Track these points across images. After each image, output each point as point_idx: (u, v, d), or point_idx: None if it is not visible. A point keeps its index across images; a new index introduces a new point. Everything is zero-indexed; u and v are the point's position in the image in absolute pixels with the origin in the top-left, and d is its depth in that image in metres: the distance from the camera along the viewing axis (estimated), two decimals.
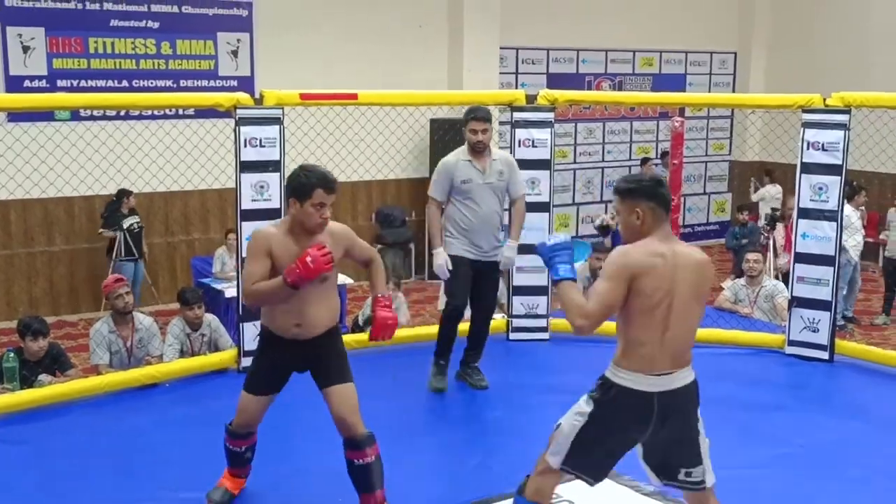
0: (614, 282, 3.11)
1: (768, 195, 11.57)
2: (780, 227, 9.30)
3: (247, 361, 5.74)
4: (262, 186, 5.70)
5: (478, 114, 5.44)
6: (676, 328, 3.14)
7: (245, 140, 5.62)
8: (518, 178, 5.57)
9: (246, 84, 9.71)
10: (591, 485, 3.31)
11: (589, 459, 3.25)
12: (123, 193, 9.07)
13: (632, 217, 3.21)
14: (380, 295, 3.97)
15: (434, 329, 6.86)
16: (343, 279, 8.19)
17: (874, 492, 4.26)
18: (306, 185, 3.64)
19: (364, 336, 6.52)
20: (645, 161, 12.80)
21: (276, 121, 5.72)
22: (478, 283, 5.46)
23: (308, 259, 3.53)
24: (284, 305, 3.71)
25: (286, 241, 3.71)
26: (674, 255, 3.15)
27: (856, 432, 4.89)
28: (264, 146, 5.68)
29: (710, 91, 13.49)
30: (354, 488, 3.82)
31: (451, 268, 5.35)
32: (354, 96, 6.16)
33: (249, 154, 5.64)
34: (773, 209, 10.13)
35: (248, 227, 5.67)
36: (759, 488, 4.27)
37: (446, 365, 5.56)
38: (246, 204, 5.68)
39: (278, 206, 5.74)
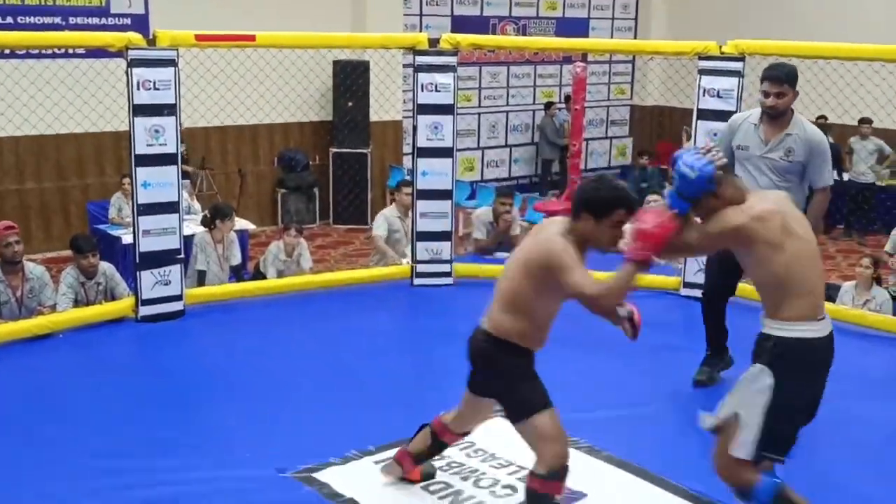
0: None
1: None
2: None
3: (145, 310, 5.63)
4: (157, 131, 5.52)
5: (773, 72, 4.48)
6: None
7: (138, 82, 5.42)
8: (821, 165, 4.55)
9: (140, 23, 9.32)
10: (782, 462, 3.16)
11: (784, 435, 3.08)
12: None
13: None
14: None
15: (339, 275, 6.88)
16: (245, 224, 8.06)
17: None
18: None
19: (264, 283, 6.48)
20: (549, 105, 12.88)
21: (171, 63, 5.52)
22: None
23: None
24: (545, 320, 3.34)
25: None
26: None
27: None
28: (159, 89, 5.49)
29: (612, 35, 13.61)
30: None
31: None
32: (252, 38, 5.98)
33: (143, 97, 5.45)
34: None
35: (142, 173, 5.53)
36: (658, 423, 4.42)
37: (713, 356, 4.88)
38: (140, 149, 5.50)
39: (174, 150, 5.59)
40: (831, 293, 6.68)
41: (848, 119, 10.69)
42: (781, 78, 4.46)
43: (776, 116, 4.51)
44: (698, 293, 6.10)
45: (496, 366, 3.33)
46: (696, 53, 6.17)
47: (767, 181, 4.54)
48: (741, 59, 6.02)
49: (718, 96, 6.05)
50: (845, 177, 10.73)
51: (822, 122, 10.96)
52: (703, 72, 6.10)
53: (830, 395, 3.21)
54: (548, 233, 3.24)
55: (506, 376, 3.32)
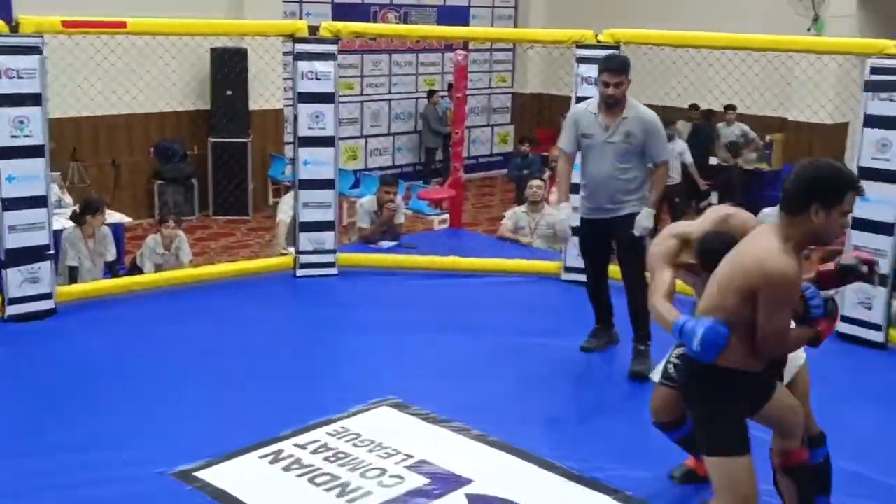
0: None
1: None
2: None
3: (12, 309, 5.37)
4: (21, 122, 5.27)
5: (612, 64, 4.76)
6: None
7: None
8: (657, 142, 4.84)
9: (2, 8, 8.86)
10: None
11: None
12: None
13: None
14: None
15: (220, 267, 6.73)
16: (119, 217, 7.79)
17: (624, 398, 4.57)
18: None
19: (141, 278, 6.29)
20: (431, 94, 12.91)
21: (36, 50, 5.28)
22: (615, 245, 4.97)
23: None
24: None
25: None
26: None
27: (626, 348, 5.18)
28: (22, 77, 5.24)
29: (492, 24, 13.72)
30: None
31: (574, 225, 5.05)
32: (123, 24, 5.76)
33: (5, 86, 5.19)
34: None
35: (7, 166, 5.29)
36: (544, 405, 4.50)
37: (601, 328, 5.15)
38: (3, 141, 5.24)
39: (41, 142, 5.36)
40: None
41: (717, 105, 11.11)
42: (620, 69, 4.75)
43: (615, 104, 4.77)
44: (579, 277, 6.27)
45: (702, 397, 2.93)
46: (573, 42, 6.28)
47: (611, 165, 4.82)
48: (617, 47, 6.15)
49: (595, 84, 6.16)
50: (713, 161, 11.19)
51: (703, 112, 11.42)
52: (580, 60, 6.22)
53: None
54: (767, 246, 2.71)
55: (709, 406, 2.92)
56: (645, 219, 4.83)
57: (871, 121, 5.33)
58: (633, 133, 4.78)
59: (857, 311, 5.44)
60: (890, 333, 5.42)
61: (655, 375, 3.47)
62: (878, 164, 5.29)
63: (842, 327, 5.49)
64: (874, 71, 5.29)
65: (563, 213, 5.00)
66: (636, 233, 4.81)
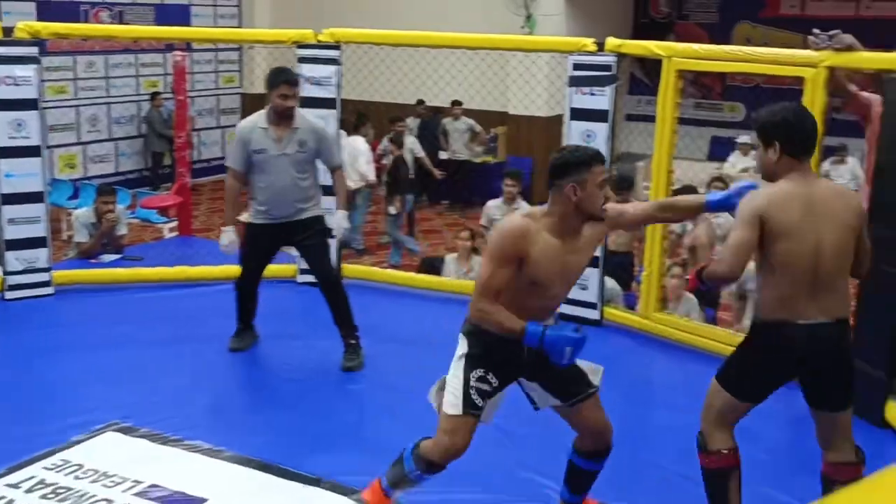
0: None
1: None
2: None
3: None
4: None
5: (291, 76, 4.81)
6: None
7: None
8: (330, 148, 5.02)
9: None
10: None
11: None
12: None
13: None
14: None
15: None
16: None
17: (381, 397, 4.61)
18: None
19: None
20: (155, 95, 12.35)
21: None
22: (300, 250, 5.08)
23: None
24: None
25: None
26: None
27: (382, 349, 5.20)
28: None
29: (215, 23, 13.34)
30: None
31: (240, 242, 5.00)
32: None
33: None
34: None
35: None
36: (272, 407, 4.42)
37: (244, 328, 5.18)
38: None
39: None
40: (437, 265, 7.15)
41: (444, 101, 11.48)
42: (297, 81, 4.92)
43: (289, 116, 4.80)
44: (314, 279, 6.21)
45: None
46: (294, 42, 6.21)
47: (289, 178, 4.85)
48: (337, 47, 6.16)
49: (318, 84, 6.15)
50: (444, 156, 11.53)
51: (430, 108, 11.68)
52: (302, 60, 6.17)
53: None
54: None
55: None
56: (342, 220, 5.00)
57: (577, 114, 5.69)
58: (306, 142, 4.86)
59: (573, 292, 5.77)
60: (604, 310, 5.83)
61: (456, 408, 3.04)
62: None
63: (561, 307, 5.87)
64: (576, 67, 5.64)
65: (226, 238, 5.01)
66: (335, 234, 4.97)
